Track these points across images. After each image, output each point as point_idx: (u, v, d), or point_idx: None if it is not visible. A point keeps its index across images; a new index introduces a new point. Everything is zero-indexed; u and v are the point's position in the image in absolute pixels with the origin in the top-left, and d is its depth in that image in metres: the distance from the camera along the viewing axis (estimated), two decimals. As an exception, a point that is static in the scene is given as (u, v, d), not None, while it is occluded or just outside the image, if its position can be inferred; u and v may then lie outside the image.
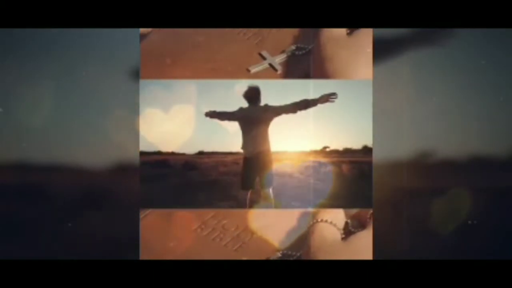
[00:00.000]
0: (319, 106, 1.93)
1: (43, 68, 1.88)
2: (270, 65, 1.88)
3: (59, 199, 1.86)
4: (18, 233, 1.86)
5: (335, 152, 2.06)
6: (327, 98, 1.91)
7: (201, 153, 2.11)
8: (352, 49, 1.80)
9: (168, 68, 1.84)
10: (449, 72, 1.91)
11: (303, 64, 1.84)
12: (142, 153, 1.87)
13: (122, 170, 1.87)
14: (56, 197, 1.86)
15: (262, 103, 2.00)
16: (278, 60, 1.88)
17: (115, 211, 1.85)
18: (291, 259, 1.73)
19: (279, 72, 1.87)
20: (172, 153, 2.06)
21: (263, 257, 1.74)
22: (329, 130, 2.00)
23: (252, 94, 1.99)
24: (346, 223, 1.77)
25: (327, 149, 2.04)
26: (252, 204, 1.99)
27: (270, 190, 2.00)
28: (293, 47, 1.89)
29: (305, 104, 1.93)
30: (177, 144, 2.04)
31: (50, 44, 1.88)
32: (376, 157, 1.87)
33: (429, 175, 1.88)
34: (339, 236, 1.72)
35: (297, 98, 1.93)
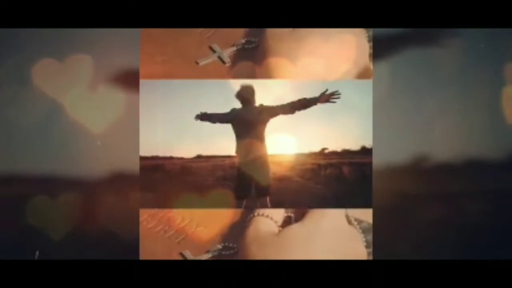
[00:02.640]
0: (317, 106, 1.87)
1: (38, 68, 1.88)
2: (219, 57, 1.85)
3: (59, 200, 1.86)
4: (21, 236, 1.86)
5: (334, 153, 2.03)
6: (327, 97, 1.84)
7: (199, 156, 2.08)
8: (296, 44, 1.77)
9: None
10: (449, 72, 1.89)
11: (252, 58, 1.82)
12: (142, 158, 1.85)
13: (122, 173, 1.86)
14: (57, 198, 1.86)
15: (257, 104, 1.91)
16: (227, 53, 1.86)
17: (115, 212, 1.84)
18: (231, 251, 1.77)
19: (227, 64, 1.83)
20: (170, 157, 2.04)
21: (204, 250, 1.80)
22: (327, 130, 1.97)
23: (246, 94, 1.89)
24: (289, 217, 1.75)
25: (326, 151, 2.00)
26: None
27: (267, 198, 1.89)
28: (243, 41, 1.86)
29: (303, 104, 1.86)
30: (175, 147, 2.01)
31: (48, 44, 1.88)
32: (376, 158, 1.85)
33: (429, 176, 1.85)
34: (275, 229, 1.70)
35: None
